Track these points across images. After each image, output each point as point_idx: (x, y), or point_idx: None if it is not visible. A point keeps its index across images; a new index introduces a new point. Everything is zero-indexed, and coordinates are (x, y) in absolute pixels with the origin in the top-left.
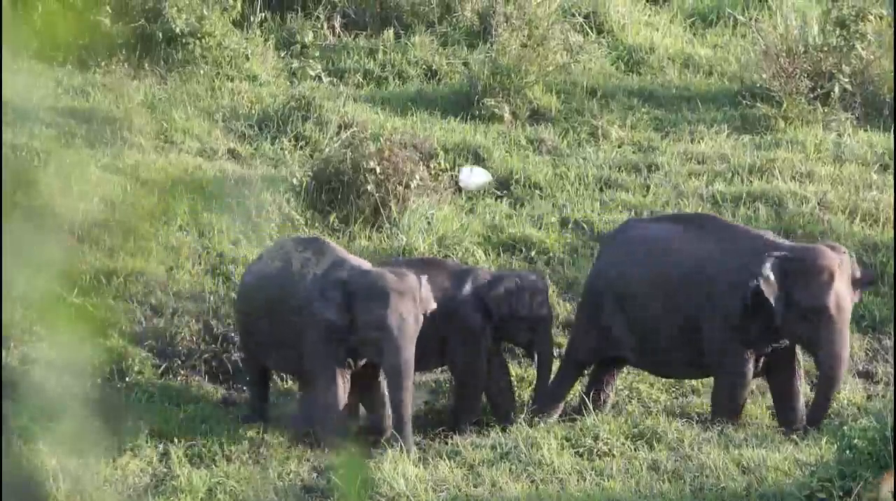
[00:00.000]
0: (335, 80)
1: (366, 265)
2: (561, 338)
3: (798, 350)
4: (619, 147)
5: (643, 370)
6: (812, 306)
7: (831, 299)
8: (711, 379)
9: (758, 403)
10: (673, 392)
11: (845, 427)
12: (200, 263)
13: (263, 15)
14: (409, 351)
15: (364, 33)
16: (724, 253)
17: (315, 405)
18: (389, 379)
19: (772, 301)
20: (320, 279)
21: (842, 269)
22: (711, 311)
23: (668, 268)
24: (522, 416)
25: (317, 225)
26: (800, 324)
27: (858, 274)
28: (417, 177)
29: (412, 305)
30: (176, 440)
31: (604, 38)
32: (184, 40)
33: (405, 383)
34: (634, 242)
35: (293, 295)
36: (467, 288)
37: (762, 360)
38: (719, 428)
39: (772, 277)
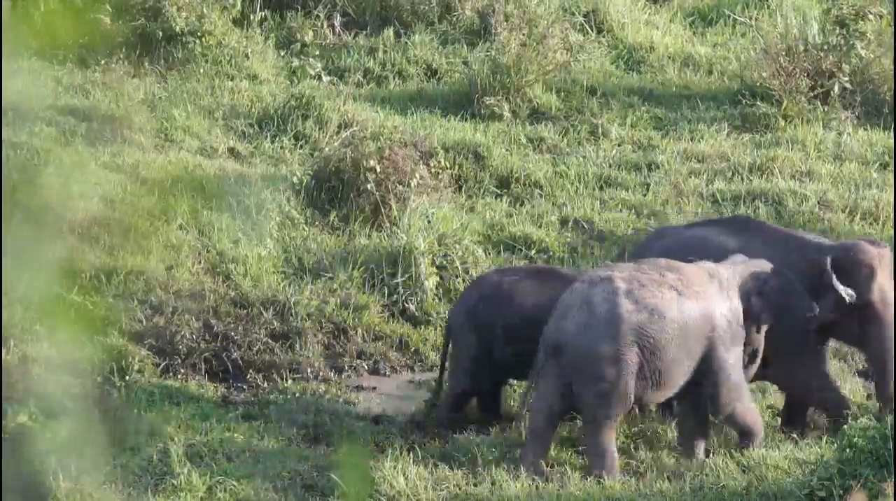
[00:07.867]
0: (335, 78)
1: None
2: None
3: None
4: (619, 145)
5: None
6: (857, 302)
7: (875, 294)
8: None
9: (757, 402)
10: None
11: (845, 426)
12: (200, 262)
13: (263, 14)
14: None
15: (364, 32)
16: (772, 253)
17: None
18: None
19: (840, 292)
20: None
21: (882, 263)
22: None
23: None
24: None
25: (317, 223)
26: (846, 321)
27: None
28: (417, 175)
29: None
30: (176, 438)
31: (604, 36)
32: (184, 39)
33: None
34: (672, 251)
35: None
36: None
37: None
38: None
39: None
